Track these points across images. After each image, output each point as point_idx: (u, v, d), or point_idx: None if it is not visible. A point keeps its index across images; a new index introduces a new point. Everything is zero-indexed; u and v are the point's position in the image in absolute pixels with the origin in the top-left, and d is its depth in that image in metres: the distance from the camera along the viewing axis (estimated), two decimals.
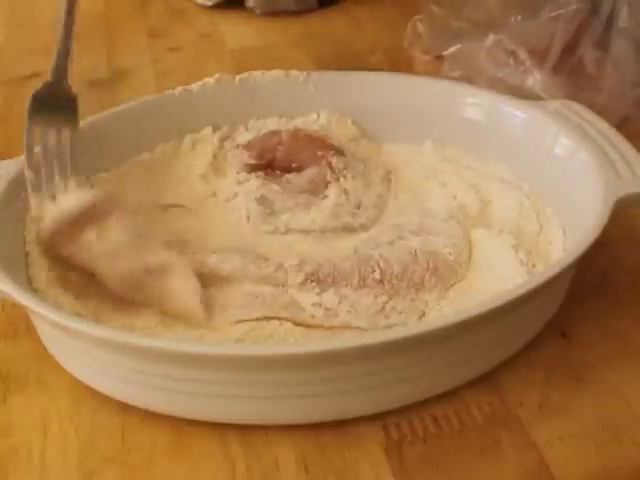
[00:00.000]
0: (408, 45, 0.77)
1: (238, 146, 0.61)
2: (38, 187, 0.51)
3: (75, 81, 0.80)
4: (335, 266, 0.50)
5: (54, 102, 0.54)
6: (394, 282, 0.50)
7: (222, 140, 0.63)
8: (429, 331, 0.41)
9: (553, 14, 0.64)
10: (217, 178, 0.61)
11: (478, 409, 0.45)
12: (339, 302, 0.49)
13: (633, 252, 0.55)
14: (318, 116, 0.63)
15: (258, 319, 0.48)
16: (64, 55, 0.55)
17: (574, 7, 0.63)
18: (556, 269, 0.44)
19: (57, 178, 0.52)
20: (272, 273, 0.50)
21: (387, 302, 0.49)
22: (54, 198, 0.51)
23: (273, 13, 0.91)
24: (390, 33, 0.84)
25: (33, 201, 0.51)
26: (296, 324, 0.48)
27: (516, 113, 0.58)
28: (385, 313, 0.49)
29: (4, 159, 0.55)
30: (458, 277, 0.51)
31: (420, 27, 0.74)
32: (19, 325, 0.52)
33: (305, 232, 0.56)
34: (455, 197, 0.57)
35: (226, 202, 0.59)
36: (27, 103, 0.53)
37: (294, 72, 0.64)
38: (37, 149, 0.52)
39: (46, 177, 0.52)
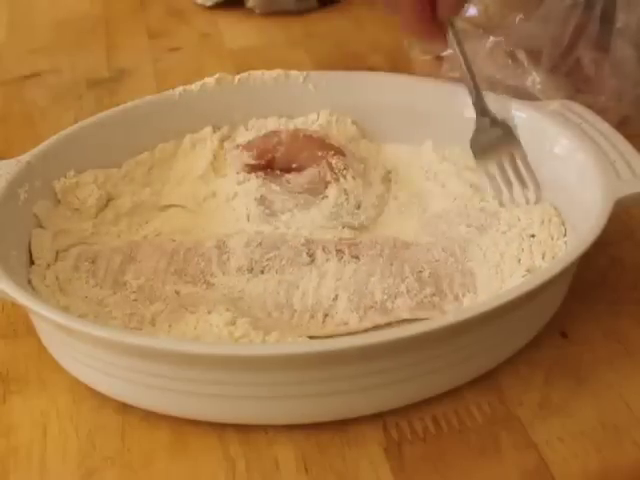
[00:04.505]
0: (408, 45, 0.77)
1: (238, 146, 0.61)
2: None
3: (75, 81, 0.81)
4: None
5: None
6: None
7: (222, 140, 0.63)
8: (429, 331, 0.41)
9: (549, 12, 0.64)
10: (217, 178, 0.61)
11: (478, 409, 0.45)
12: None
13: (633, 252, 0.55)
14: (318, 116, 0.63)
15: None
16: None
17: (569, 3, 0.63)
18: (556, 269, 0.44)
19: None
20: None
21: None
22: None
23: (273, 13, 0.91)
24: (390, 33, 0.83)
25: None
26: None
27: (516, 113, 0.58)
28: None
29: (4, 159, 0.55)
30: None
31: None
32: (19, 325, 0.52)
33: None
34: (455, 197, 0.57)
35: (226, 202, 0.59)
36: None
37: (294, 72, 0.64)
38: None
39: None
